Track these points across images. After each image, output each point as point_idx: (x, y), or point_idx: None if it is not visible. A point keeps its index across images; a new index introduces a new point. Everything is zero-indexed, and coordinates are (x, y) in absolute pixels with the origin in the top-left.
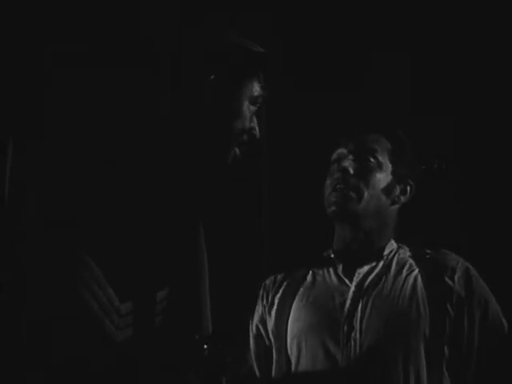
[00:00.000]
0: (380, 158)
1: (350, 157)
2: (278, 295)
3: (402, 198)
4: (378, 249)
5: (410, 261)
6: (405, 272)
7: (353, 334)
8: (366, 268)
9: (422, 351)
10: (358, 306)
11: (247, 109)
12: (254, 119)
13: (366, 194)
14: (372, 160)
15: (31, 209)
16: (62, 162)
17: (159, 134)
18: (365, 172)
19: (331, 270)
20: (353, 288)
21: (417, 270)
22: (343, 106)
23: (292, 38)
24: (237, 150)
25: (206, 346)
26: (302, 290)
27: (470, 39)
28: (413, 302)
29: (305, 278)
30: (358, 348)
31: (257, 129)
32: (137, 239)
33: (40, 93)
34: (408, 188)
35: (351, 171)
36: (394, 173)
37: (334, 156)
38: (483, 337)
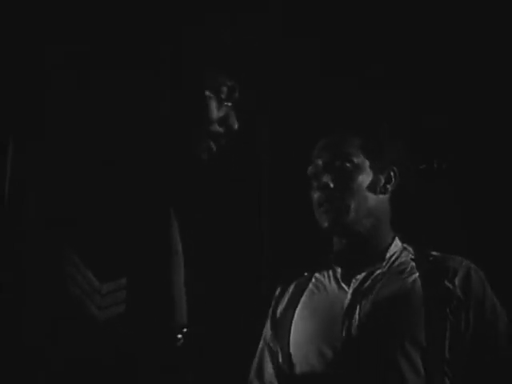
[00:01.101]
0: (355, 160)
1: (327, 169)
2: (282, 305)
3: (389, 187)
4: (380, 251)
5: (412, 264)
6: (404, 276)
7: (351, 342)
8: (363, 273)
9: (419, 356)
10: (355, 313)
11: (209, 98)
12: (229, 110)
13: (352, 204)
14: (348, 165)
15: (31, 209)
16: (62, 161)
17: (159, 134)
18: (345, 181)
19: (332, 275)
20: (349, 295)
21: (417, 274)
22: (343, 107)
23: (292, 38)
24: (211, 143)
25: (179, 336)
26: (303, 298)
27: (470, 38)
28: (410, 308)
29: (307, 285)
30: (356, 356)
31: (232, 120)
32: (118, 229)
33: (40, 93)
34: (392, 174)
35: (331, 185)
36: (372, 166)
37: (311, 170)
38: (480, 339)
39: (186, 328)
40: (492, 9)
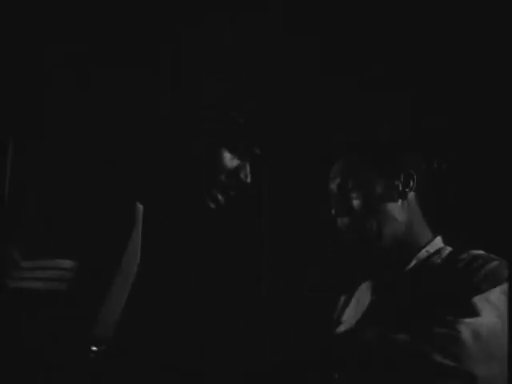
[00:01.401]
0: (370, 175)
1: (351, 193)
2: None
3: (408, 190)
4: (409, 255)
5: (436, 270)
6: (423, 283)
7: (358, 345)
8: (387, 280)
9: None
10: (370, 322)
11: (225, 152)
12: (243, 165)
13: (381, 225)
14: (365, 183)
15: (31, 209)
16: (62, 162)
17: (159, 133)
18: (366, 197)
19: (368, 284)
20: (367, 303)
21: (434, 281)
22: (343, 109)
23: (292, 38)
24: (219, 195)
25: (94, 349)
26: (347, 307)
27: (470, 38)
28: (419, 315)
29: (353, 294)
30: (360, 359)
31: (246, 173)
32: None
33: (40, 93)
34: (407, 177)
35: (356, 207)
36: (386, 175)
37: (335, 189)
38: None
39: (104, 345)
40: (492, 9)
